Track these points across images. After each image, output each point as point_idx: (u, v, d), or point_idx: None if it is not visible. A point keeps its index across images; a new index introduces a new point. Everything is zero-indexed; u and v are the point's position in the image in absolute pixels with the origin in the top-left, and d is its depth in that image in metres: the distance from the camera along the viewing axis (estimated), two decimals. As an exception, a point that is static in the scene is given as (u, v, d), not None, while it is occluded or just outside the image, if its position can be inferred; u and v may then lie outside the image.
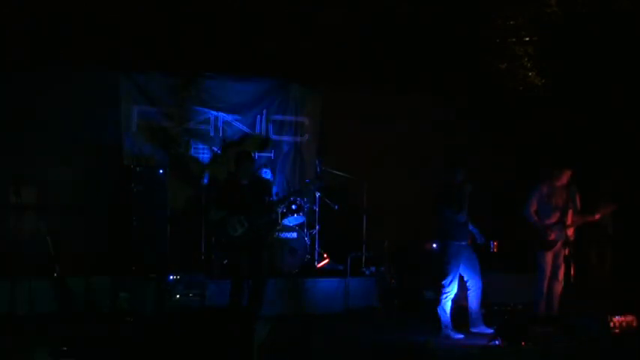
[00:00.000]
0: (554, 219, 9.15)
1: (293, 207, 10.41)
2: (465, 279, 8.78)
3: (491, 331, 8.59)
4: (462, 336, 8.61)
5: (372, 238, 10.69)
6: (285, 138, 11.55)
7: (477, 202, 8.71)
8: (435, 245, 10.18)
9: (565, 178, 9.22)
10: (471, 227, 8.75)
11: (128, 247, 9.80)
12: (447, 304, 8.66)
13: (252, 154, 9.28)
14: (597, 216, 9.28)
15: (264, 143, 11.30)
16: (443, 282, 8.63)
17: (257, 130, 11.35)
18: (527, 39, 11.12)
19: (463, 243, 8.66)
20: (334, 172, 10.94)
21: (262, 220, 8.49)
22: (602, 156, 11.40)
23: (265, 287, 8.57)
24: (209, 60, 10.71)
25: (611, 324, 8.53)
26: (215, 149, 10.86)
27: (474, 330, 8.77)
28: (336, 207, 10.78)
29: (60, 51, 9.84)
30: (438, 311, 8.69)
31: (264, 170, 10.62)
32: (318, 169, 11.28)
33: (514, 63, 11.40)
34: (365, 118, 11.65)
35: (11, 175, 9.44)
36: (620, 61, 10.93)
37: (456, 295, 8.73)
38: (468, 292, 8.81)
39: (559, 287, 9.21)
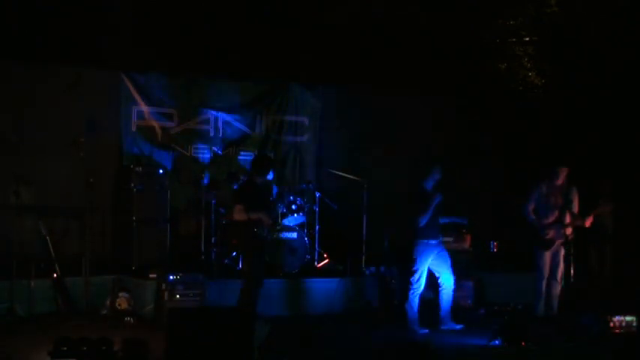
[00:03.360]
0: (552, 218, 9.15)
1: (293, 207, 10.40)
2: (437, 276, 8.97)
3: (460, 327, 8.85)
4: (427, 331, 8.78)
5: (372, 238, 10.69)
6: (285, 138, 11.54)
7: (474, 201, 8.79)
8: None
9: (564, 176, 9.23)
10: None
11: (128, 247, 9.81)
12: (415, 300, 8.85)
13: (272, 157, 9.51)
14: (587, 222, 9.28)
15: (264, 143, 11.30)
16: (410, 279, 8.86)
17: (257, 130, 11.34)
18: (527, 39, 11.13)
19: (432, 242, 8.86)
20: (334, 172, 10.93)
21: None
22: (602, 156, 11.39)
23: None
24: (209, 60, 10.71)
25: (611, 324, 8.53)
26: (215, 149, 10.85)
27: (443, 327, 8.91)
28: (335, 207, 10.78)
29: (60, 51, 9.84)
30: (406, 307, 8.87)
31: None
32: (318, 169, 11.30)
33: (514, 63, 11.41)
34: (365, 118, 11.65)
35: (11, 175, 9.45)
36: (620, 61, 10.93)
37: (453, 293, 8.96)
38: (440, 289, 8.97)
39: (558, 287, 9.22)
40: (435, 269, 8.94)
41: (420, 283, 8.86)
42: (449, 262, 8.97)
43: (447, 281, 8.94)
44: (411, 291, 8.86)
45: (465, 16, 10.74)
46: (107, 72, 10.44)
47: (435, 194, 8.78)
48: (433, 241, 8.88)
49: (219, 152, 10.78)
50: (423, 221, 8.74)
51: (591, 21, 10.53)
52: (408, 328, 8.79)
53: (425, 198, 8.79)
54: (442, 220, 9.10)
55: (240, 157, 11.17)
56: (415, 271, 8.84)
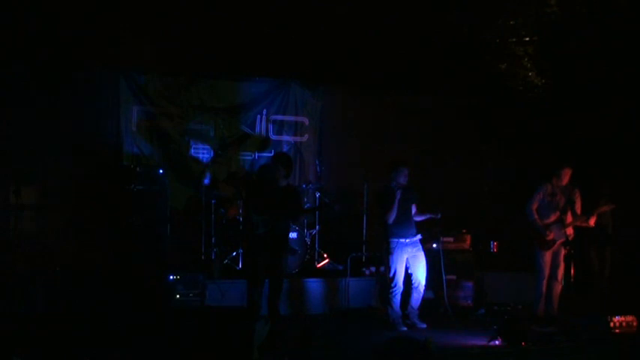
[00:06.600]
0: (553, 218, 9.16)
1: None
2: (410, 273, 9.04)
3: (424, 326, 8.93)
4: (405, 328, 8.87)
5: (372, 238, 10.69)
6: (285, 138, 11.55)
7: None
8: (435, 245, 10.19)
9: (566, 177, 9.24)
10: (421, 218, 9.08)
11: (128, 247, 9.80)
12: (396, 300, 8.94)
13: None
14: (592, 221, 9.28)
15: (264, 143, 11.31)
16: (390, 276, 8.93)
17: (257, 130, 11.35)
18: (527, 39, 11.12)
19: (402, 240, 8.93)
20: (334, 172, 10.93)
21: (285, 223, 8.62)
22: (602, 156, 11.40)
23: (282, 289, 8.69)
24: (209, 60, 10.71)
25: (611, 324, 8.54)
26: (215, 149, 10.86)
27: (406, 323, 9.00)
28: (336, 207, 10.77)
29: (60, 51, 9.84)
30: (387, 309, 8.98)
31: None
32: (318, 169, 11.29)
33: (514, 63, 11.41)
34: (365, 118, 11.65)
35: (11, 175, 9.45)
36: (620, 61, 10.93)
37: (424, 294, 9.07)
38: (412, 287, 9.05)
39: (558, 287, 9.22)
40: (409, 268, 9.02)
41: (397, 283, 8.93)
42: (424, 262, 9.06)
43: (419, 280, 9.03)
44: (391, 292, 8.94)
45: (465, 16, 10.73)
46: (107, 72, 10.44)
47: (396, 191, 8.86)
48: (404, 240, 8.94)
49: (219, 152, 10.78)
50: (391, 218, 8.86)
51: (591, 21, 10.52)
52: (390, 326, 8.87)
53: (388, 195, 8.90)
54: (418, 218, 9.12)
55: (240, 157, 11.16)
56: (390, 270, 8.93)
